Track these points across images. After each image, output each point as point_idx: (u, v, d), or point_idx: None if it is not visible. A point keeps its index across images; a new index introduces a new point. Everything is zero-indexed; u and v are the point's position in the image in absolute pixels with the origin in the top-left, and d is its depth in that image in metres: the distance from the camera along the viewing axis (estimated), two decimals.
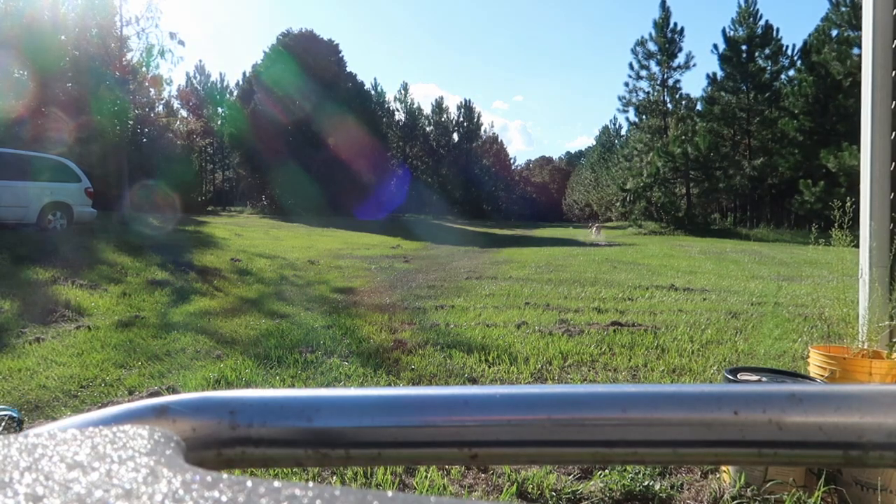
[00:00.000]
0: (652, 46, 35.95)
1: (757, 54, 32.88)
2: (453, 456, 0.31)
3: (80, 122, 19.45)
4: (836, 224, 2.83)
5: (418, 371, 3.74)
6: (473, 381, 3.60)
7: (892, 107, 2.65)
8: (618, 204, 42.40)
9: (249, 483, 0.19)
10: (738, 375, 2.27)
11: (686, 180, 34.20)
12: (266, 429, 0.29)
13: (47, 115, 19.11)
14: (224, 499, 0.18)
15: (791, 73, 32.69)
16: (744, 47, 32.98)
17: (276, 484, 0.19)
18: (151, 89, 25.21)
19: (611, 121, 76.05)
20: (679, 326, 5.17)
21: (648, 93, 37.24)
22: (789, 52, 32.96)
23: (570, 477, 2.29)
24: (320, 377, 3.62)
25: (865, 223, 2.71)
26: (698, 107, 35.65)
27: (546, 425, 0.30)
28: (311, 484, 0.19)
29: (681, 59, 35.68)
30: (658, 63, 36.00)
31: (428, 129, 57.07)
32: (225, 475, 0.20)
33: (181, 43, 24.80)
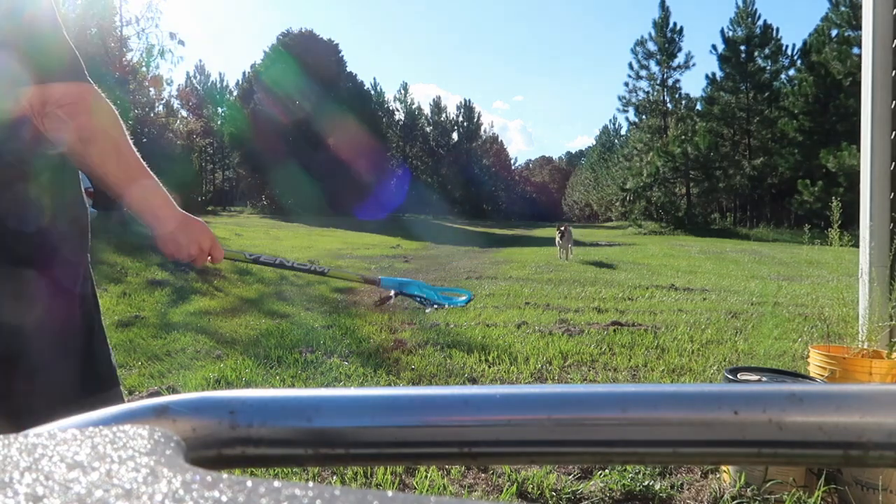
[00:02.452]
0: (651, 46, 35.99)
1: (756, 54, 32.87)
2: (453, 456, 0.31)
3: None
4: (832, 224, 2.83)
5: (418, 371, 3.74)
6: (473, 381, 3.60)
7: (893, 107, 2.65)
8: (618, 204, 42.42)
9: (249, 483, 0.19)
10: (738, 375, 2.27)
11: (686, 180, 34.22)
12: (266, 429, 0.29)
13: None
14: (224, 499, 0.18)
15: (791, 72, 32.69)
16: (743, 47, 32.98)
17: (276, 484, 0.19)
18: (151, 89, 25.20)
19: (611, 121, 75.96)
20: (679, 326, 5.17)
21: (648, 93, 37.28)
22: (789, 51, 32.97)
23: (570, 477, 2.29)
24: (320, 377, 3.62)
25: (865, 223, 2.71)
26: (698, 106, 35.66)
27: (546, 425, 0.30)
28: (311, 484, 0.19)
29: (680, 58, 35.74)
30: (658, 63, 36.04)
31: (428, 129, 57.09)
32: (225, 475, 0.20)
33: (181, 43, 24.83)
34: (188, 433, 0.28)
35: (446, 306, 1.79)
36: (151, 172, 1.09)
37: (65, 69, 0.97)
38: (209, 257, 1.24)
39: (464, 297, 1.85)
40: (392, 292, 1.74)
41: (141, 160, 1.07)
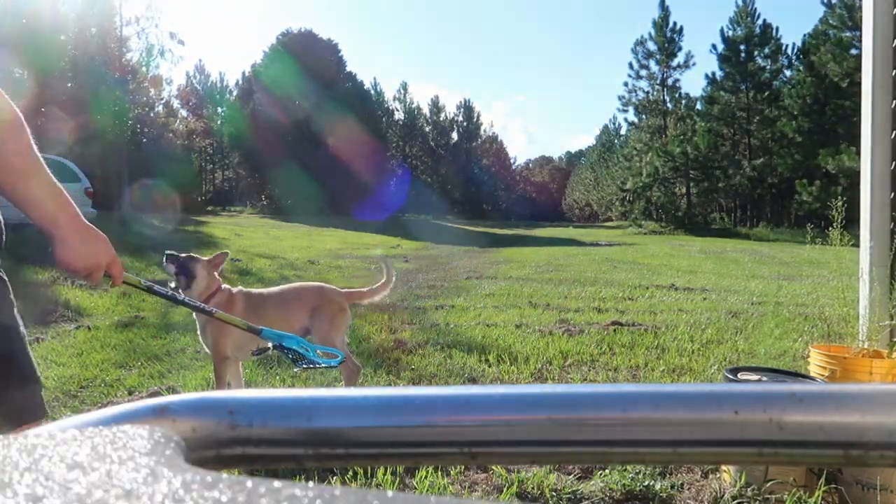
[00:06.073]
0: (651, 46, 35.98)
1: (756, 53, 32.85)
2: (453, 456, 0.31)
3: (80, 121, 19.44)
4: (833, 224, 2.83)
5: (418, 371, 3.74)
6: (473, 381, 3.60)
7: (893, 106, 2.65)
8: (617, 204, 42.42)
9: (249, 483, 0.19)
10: (739, 375, 2.27)
11: (686, 180, 34.21)
12: (266, 429, 0.29)
13: (47, 114, 19.09)
14: (224, 499, 0.18)
15: (790, 72, 32.68)
16: (742, 47, 32.95)
17: (276, 484, 0.19)
18: (151, 89, 25.21)
19: (611, 120, 75.75)
20: (679, 326, 5.16)
21: (648, 92, 37.26)
22: (788, 51, 32.96)
23: (571, 477, 2.29)
24: (320, 377, 3.61)
25: (865, 223, 2.71)
26: (698, 106, 35.64)
27: (546, 425, 0.30)
28: (311, 484, 0.19)
29: (680, 58, 35.70)
30: (657, 62, 36.01)
31: (427, 128, 57.07)
32: (225, 475, 0.20)
33: (181, 43, 24.87)
34: (188, 433, 0.28)
35: (318, 366, 1.90)
36: (50, 173, 0.99)
37: None
38: (107, 276, 1.16)
39: (337, 358, 2.01)
40: (270, 344, 1.86)
41: (40, 159, 0.97)
